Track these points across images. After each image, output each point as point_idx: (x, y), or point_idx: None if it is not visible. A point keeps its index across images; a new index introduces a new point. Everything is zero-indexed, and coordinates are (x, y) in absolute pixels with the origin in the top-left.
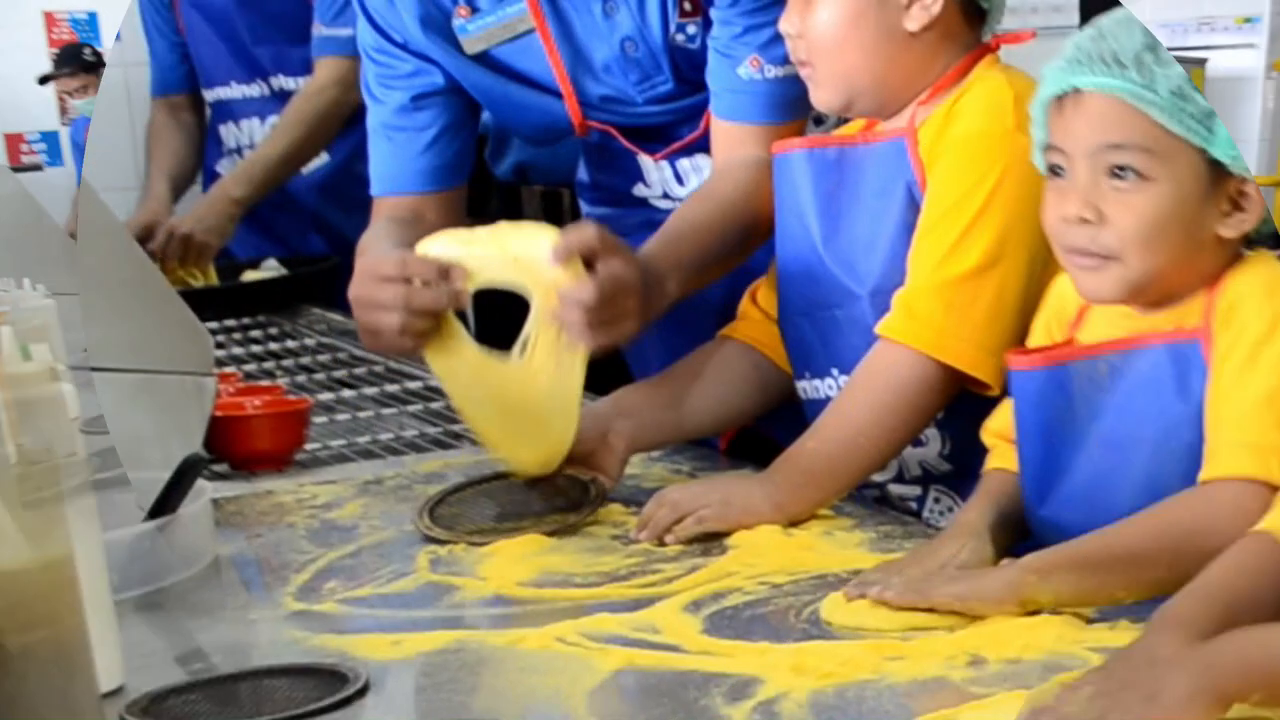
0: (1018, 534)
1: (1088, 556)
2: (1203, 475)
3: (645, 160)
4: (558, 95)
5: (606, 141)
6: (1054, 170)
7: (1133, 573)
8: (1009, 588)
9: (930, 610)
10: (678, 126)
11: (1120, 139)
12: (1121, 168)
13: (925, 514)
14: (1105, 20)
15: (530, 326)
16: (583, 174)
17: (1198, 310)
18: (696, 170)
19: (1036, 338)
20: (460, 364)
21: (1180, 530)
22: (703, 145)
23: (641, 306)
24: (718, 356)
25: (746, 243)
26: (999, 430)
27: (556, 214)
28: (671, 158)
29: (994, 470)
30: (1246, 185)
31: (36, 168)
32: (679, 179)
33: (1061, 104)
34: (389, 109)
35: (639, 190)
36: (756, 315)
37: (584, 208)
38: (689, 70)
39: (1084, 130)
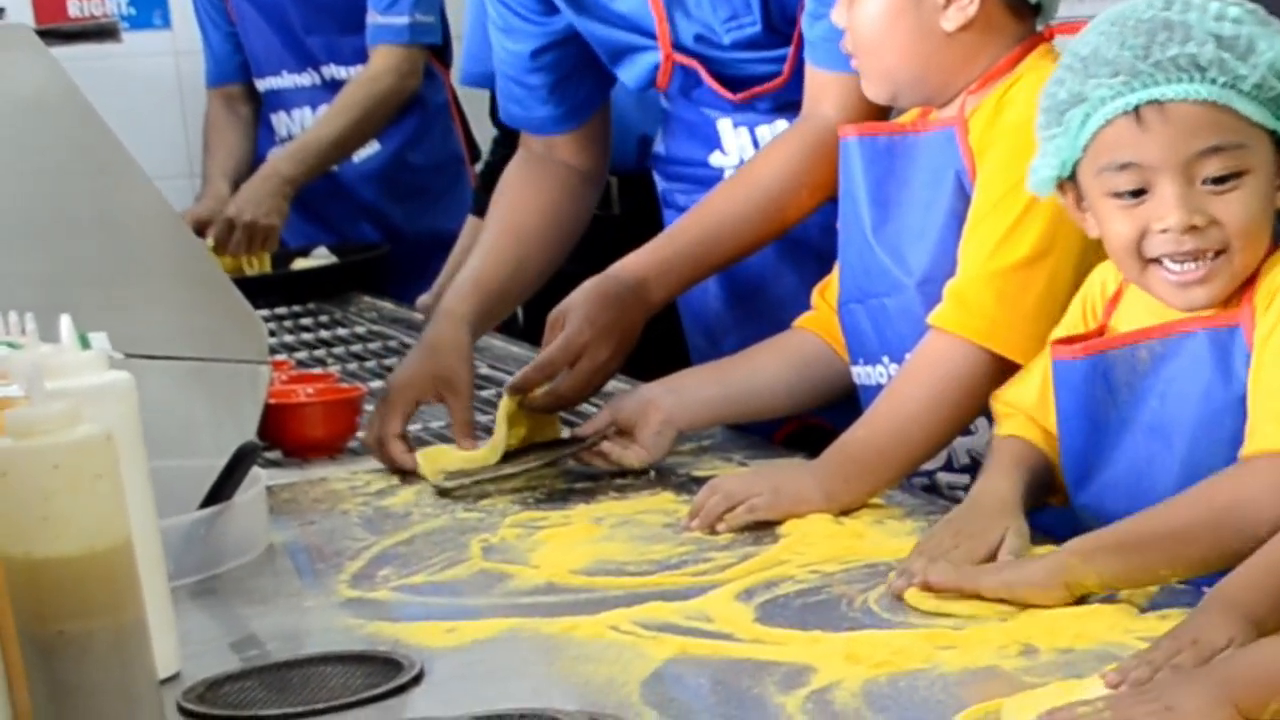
0: (1041, 498)
1: (1128, 537)
2: (1244, 451)
3: (724, 126)
4: (648, 35)
5: (688, 90)
6: (1130, 193)
7: (1173, 549)
8: (1054, 573)
9: (977, 597)
10: (762, 80)
11: (1218, 140)
12: (1222, 171)
13: None
14: (1140, 20)
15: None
16: (659, 146)
17: (1237, 295)
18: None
19: (1071, 320)
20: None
21: (1220, 504)
22: (782, 104)
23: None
24: (780, 342)
25: (777, 228)
26: (1016, 403)
27: (605, 201)
28: (751, 124)
29: (1011, 437)
30: None
31: (110, 33)
32: (756, 147)
33: (1129, 122)
34: (507, 57)
35: (715, 159)
36: (824, 306)
37: (660, 183)
38: (780, 19)
39: (1175, 141)
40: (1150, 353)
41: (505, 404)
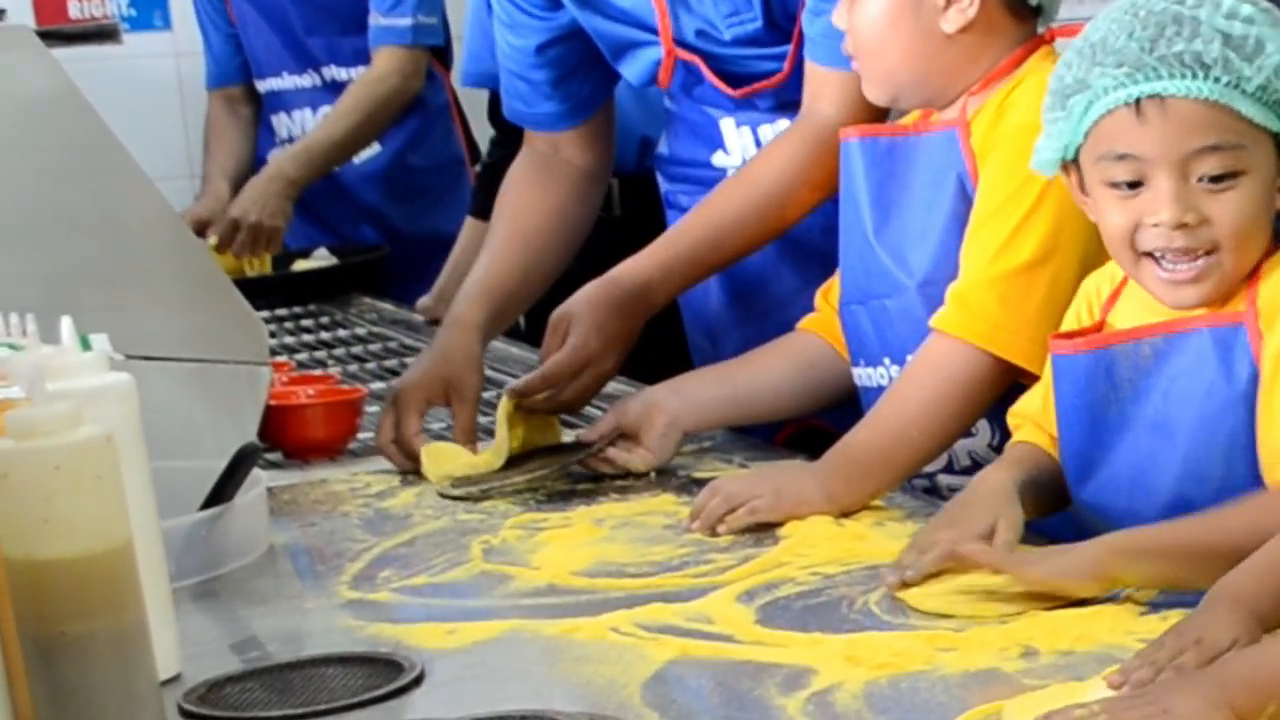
0: (1046, 501)
1: (1175, 547)
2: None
3: (727, 126)
4: (650, 31)
5: (689, 87)
6: (1126, 184)
7: (1222, 566)
8: (1096, 568)
9: (996, 593)
10: (763, 78)
11: (1216, 139)
12: (1219, 170)
13: None
14: (1151, 11)
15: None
16: (663, 147)
17: (1238, 293)
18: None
19: (1068, 324)
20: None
21: (1268, 532)
22: (784, 102)
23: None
24: (784, 344)
25: (778, 227)
26: (1024, 412)
27: (606, 202)
28: (753, 124)
29: (1018, 443)
30: None
31: (110, 34)
32: (759, 146)
33: (1129, 114)
34: (511, 52)
35: (719, 159)
36: (826, 308)
37: (663, 184)
38: (781, 15)
39: (1172, 137)
40: (1153, 349)
41: (504, 405)
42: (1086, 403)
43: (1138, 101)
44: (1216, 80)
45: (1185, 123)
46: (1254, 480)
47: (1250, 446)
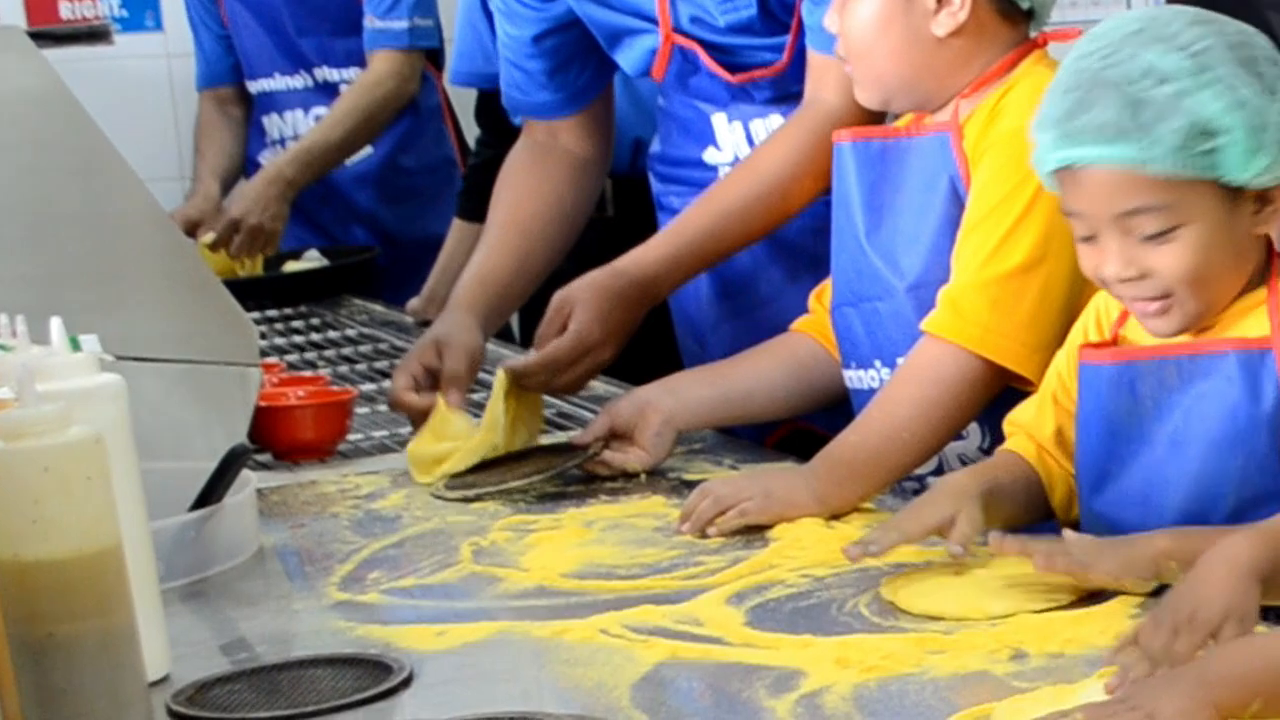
0: (1008, 511)
1: None
2: None
3: (718, 121)
4: (647, 19)
5: (684, 79)
6: (1082, 237)
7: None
8: (1155, 569)
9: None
10: (760, 69)
11: (1136, 204)
12: (1153, 228)
13: None
14: (1082, 70)
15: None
16: (655, 145)
17: (1261, 316)
18: (770, 134)
19: (1074, 338)
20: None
21: None
22: (781, 94)
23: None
24: (776, 344)
25: (780, 218)
26: (1018, 421)
27: (599, 203)
28: (745, 118)
29: (1004, 450)
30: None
31: (102, 35)
32: (751, 143)
33: (1067, 176)
34: (509, 41)
35: (710, 156)
36: (820, 310)
37: (654, 185)
38: (776, 4)
39: (1098, 201)
40: (1179, 367)
41: (501, 378)
42: (1105, 415)
43: (1068, 166)
44: (1127, 147)
45: (1107, 188)
46: (1265, 500)
47: (1265, 468)
